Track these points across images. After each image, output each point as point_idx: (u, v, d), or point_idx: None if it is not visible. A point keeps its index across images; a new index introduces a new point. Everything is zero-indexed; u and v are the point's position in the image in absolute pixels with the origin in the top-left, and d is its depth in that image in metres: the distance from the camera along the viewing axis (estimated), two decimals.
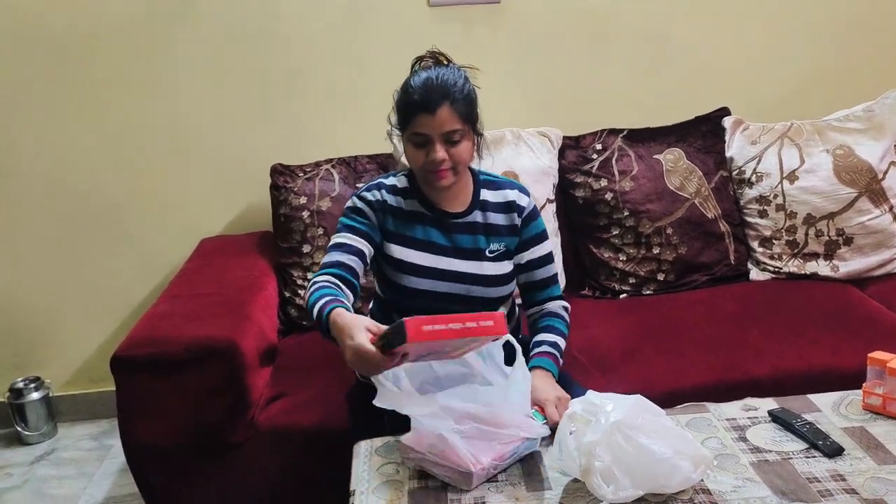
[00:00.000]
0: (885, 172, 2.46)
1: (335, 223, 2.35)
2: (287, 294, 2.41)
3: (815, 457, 1.50)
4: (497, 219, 1.79)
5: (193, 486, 1.96)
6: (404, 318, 1.33)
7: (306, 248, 2.41)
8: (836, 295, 2.36)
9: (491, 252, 1.77)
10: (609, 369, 2.06)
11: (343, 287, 1.65)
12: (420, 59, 1.77)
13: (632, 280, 2.48)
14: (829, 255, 2.47)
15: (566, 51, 2.77)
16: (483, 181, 1.82)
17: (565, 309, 1.86)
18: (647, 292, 2.48)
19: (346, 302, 1.58)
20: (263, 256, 2.51)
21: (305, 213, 2.42)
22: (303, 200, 2.44)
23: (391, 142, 2.45)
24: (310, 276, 2.38)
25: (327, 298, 1.56)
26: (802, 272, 2.48)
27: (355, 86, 2.73)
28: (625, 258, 2.48)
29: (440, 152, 1.65)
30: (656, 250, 2.47)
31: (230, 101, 2.72)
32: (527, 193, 1.84)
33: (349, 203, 1.79)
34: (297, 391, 2.02)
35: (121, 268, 2.83)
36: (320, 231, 2.41)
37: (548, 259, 1.84)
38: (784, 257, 2.49)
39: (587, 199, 2.50)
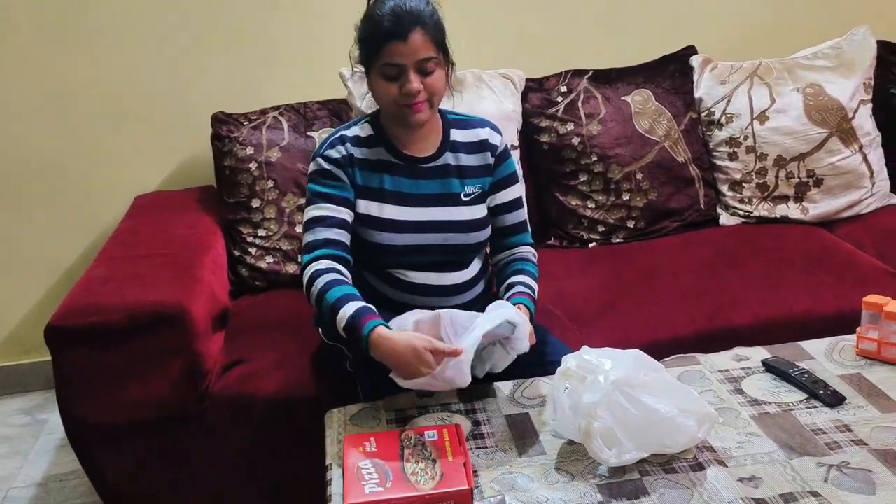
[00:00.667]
0: (856, 111, 2.40)
1: (286, 175, 2.24)
2: (237, 253, 2.23)
3: (816, 407, 1.43)
4: (469, 160, 1.69)
5: (146, 465, 1.81)
6: None
7: (255, 203, 2.23)
8: (808, 238, 2.30)
9: (466, 196, 1.67)
10: (586, 322, 1.96)
11: (344, 271, 1.57)
12: None
13: (601, 228, 2.38)
14: (799, 197, 2.41)
15: None
16: (452, 120, 1.71)
17: (534, 255, 1.77)
18: (617, 240, 2.38)
19: (370, 305, 1.51)
20: (207, 213, 2.31)
21: (253, 165, 2.23)
22: (249, 151, 2.25)
23: (345, 85, 2.28)
24: (260, 232, 2.22)
25: (351, 304, 1.48)
26: (773, 216, 2.41)
27: (299, 28, 2.52)
28: (593, 205, 2.38)
29: (415, 82, 1.54)
30: (626, 196, 2.37)
31: (164, 47, 2.48)
32: (499, 132, 1.75)
33: (314, 166, 1.65)
34: (255, 357, 1.87)
35: (49, 229, 2.60)
36: (270, 184, 2.23)
37: (519, 203, 1.76)
38: (754, 201, 2.42)
39: (553, 145, 2.38)
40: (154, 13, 2.45)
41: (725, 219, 2.44)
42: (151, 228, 2.20)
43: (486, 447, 1.37)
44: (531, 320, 1.57)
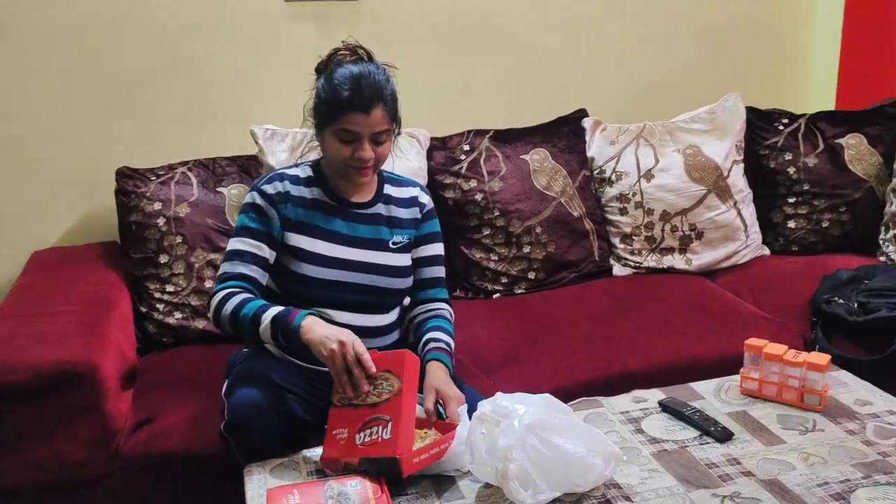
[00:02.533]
0: (730, 170, 2.63)
1: (195, 230, 2.25)
2: (143, 309, 2.20)
3: (708, 443, 1.56)
4: (400, 212, 1.82)
5: None
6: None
7: (163, 259, 2.21)
8: (692, 287, 2.49)
9: (395, 244, 1.78)
10: (494, 370, 2.04)
11: (256, 295, 1.66)
12: (337, 50, 1.73)
13: (503, 279, 2.49)
14: (683, 249, 2.60)
15: (426, 52, 2.74)
16: (386, 177, 1.85)
17: (451, 314, 1.86)
18: (519, 291, 2.50)
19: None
20: (110, 268, 2.28)
21: (161, 221, 2.23)
22: (157, 206, 2.24)
23: (256, 143, 2.32)
24: (168, 287, 2.20)
25: (272, 308, 1.59)
26: (660, 266, 2.60)
27: (209, 84, 2.55)
28: (496, 258, 2.49)
29: (368, 151, 1.66)
30: (526, 249, 2.49)
31: (67, 102, 2.45)
32: (427, 193, 1.90)
33: (247, 198, 1.74)
34: (164, 414, 1.84)
35: None
36: (178, 239, 2.22)
37: (438, 260, 1.88)
38: (643, 252, 2.60)
39: (457, 200, 2.49)
40: (54, 65, 2.42)
41: (618, 269, 2.61)
42: (52, 285, 2.14)
43: (407, 494, 1.42)
44: (450, 373, 1.66)
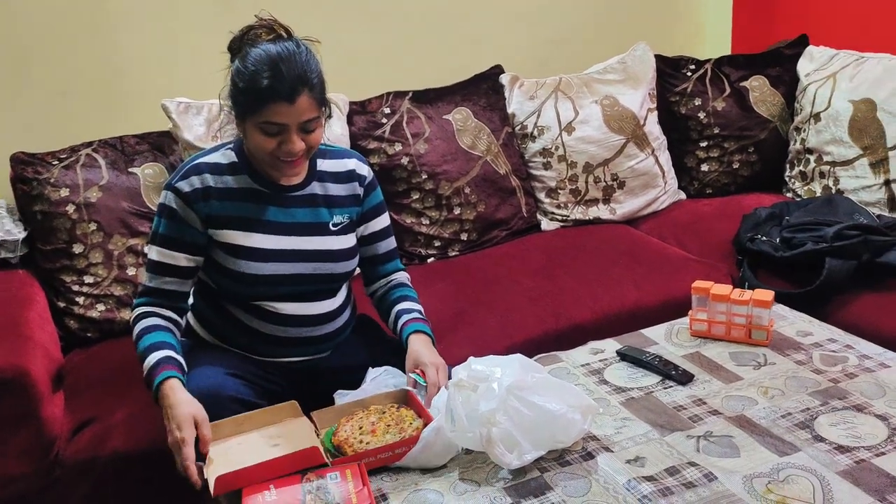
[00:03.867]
0: (645, 118, 2.68)
1: (110, 216, 2.11)
2: (61, 304, 2.04)
3: (671, 386, 1.59)
4: (337, 189, 1.67)
5: None
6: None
7: (77, 248, 2.05)
8: (620, 235, 2.54)
9: (335, 225, 1.65)
10: (442, 335, 2.00)
11: (166, 315, 1.56)
12: (251, 27, 1.53)
13: (437, 243, 2.46)
14: (606, 199, 2.65)
15: (336, 13, 2.64)
16: (320, 149, 1.67)
17: (409, 279, 1.82)
18: (454, 253, 2.48)
19: (175, 355, 1.51)
20: (16, 264, 2.09)
21: (70, 208, 2.06)
22: (64, 193, 2.07)
23: (170, 118, 2.17)
24: (87, 279, 2.05)
25: (154, 354, 1.48)
26: (586, 217, 2.63)
27: (106, 58, 2.36)
28: (428, 222, 2.45)
29: (297, 143, 1.50)
30: (457, 211, 2.47)
31: None
32: (365, 162, 1.75)
33: (161, 196, 1.57)
34: (104, 414, 1.73)
35: None
36: (93, 226, 2.07)
37: (389, 231, 1.78)
38: (569, 205, 2.62)
39: (383, 166, 2.42)
40: None
41: (546, 224, 2.62)
42: None
43: (389, 468, 1.38)
44: (432, 339, 1.65)
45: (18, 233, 2.05)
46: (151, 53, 2.40)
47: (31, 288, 2.00)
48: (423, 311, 1.73)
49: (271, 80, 1.45)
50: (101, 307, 2.05)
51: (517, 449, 1.33)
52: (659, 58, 2.80)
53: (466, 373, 1.41)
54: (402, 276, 1.80)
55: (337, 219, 1.66)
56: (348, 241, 1.68)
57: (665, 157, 2.74)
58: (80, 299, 2.04)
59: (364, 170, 1.73)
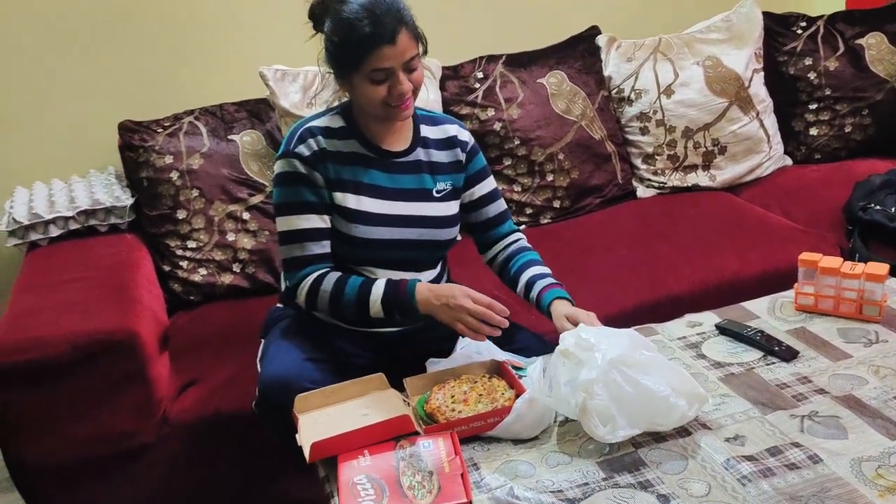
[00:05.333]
0: (751, 80, 2.55)
1: (211, 182, 2.15)
2: (166, 268, 2.12)
3: (774, 363, 1.53)
4: (440, 156, 1.68)
5: (103, 502, 1.70)
6: None
7: (181, 214, 2.13)
8: (720, 203, 2.44)
9: (438, 192, 1.66)
10: None
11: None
12: None
13: (529, 210, 2.43)
14: (706, 165, 2.55)
15: None
16: (421, 116, 1.69)
17: (526, 239, 1.80)
18: (546, 221, 2.44)
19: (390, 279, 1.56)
20: (124, 229, 2.19)
21: (174, 175, 2.13)
22: (168, 160, 2.14)
23: (267, 85, 2.21)
24: (189, 244, 2.12)
25: (375, 287, 1.54)
26: (684, 184, 2.54)
27: (206, 25, 2.41)
28: (520, 189, 2.42)
29: (405, 83, 1.51)
30: (550, 177, 2.43)
31: (51, 57, 2.31)
32: (465, 128, 1.74)
33: (283, 166, 1.56)
34: (207, 375, 1.80)
35: None
36: (195, 193, 2.13)
37: (496, 194, 1.77)
38: (667, 172, 2.54)
39: (475, 132, 2.39)
40: (39, 20, 2.27)
41: (642, 191, 2.55)
42: (67, 251, 2.06)
43: (481, 438, 1.38)
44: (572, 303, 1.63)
45: (127, 199, 2.14)
46: (249, 20, 2.43)
47: (139, 252, 2.09)
48: (550, 272, 1.71)
49: (371, 26, 1.46)
50: (203, 271, 2.13)
51: (611, 423, 1.31)
52: (766, 15, 2.66)
53: (574, 340, 1.39)
54: (521, 239, 1.77)
55: (440, 185, 1.66)
56: (451, 207, 1.68)
57: (770, 121, 2.61)
58: (184, 263, 2.12)
59: (465, 136, 1.73)
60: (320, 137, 1.57)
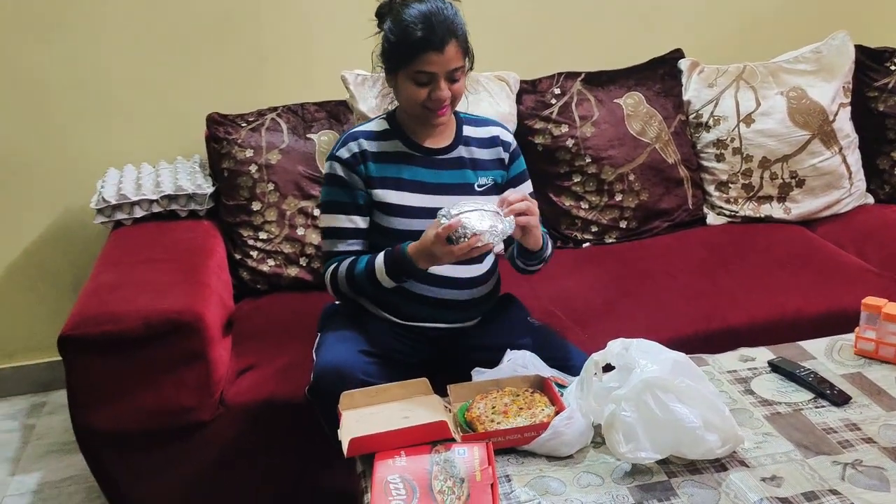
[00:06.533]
0: (836, 114, 2.49)
1: (286, 177, 2.24)
2: (237, 256, 2.22)
3: (824, 406, 1.50)
4: (482, 154, 1.77)
5: (158, 473, 1.80)
6: None
7: (256, 206, 2.22)
8: (792, 237, 2.39)
9: (480, 186, 1.74)
10: (587, 323, 2.01)
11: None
12: None
13: (594, 228, 2.43)
14: (782, 197, 2.50)
15: None
16: (464, 118, 1.80)
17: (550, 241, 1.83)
18: (610, 241, 2.44)
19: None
20: (203, 216, 2.30)
21: (253, 168, 2.23)
22: (249, 153, 2.24)
23: (347, 88, 2.28)
24: (261, 235, 2.22)
25: (378, 259, 1.63)
26: (757, 215, 2.50)
27: (291, 30, 2.51)
28: (587, 206, 2.43)
29: (445, 90, 1.62)
30: (618, 197, 2.42)
31: (149, 47, 2.45)
32: (509, 131, 1.84)
33: (327, 168, 1.73)
34: (265, 362, 1.87)
35: (31, 231, 2.55)
36: (270, 186, 2.22)
37: (532, 198, 1.77)
38: (740, 201, 2.50)
39: (547, 146, 2.42)
40: (139, 12, 2.41)
41: (712, 218, 2.52)
42: (149, 232, 2.18)
43: (515, 451, 1.41)
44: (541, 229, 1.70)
45: (207, 188, 2.25)
46: (338, 24, 2.51)
47: (214, 239, 2.19)
48: (548, 239, 1.77)
49: (424, 31, 1.58)
50: (271, 262, 2.21)
51: (635, 443, 1.32)
52: (859, 48, 2.59)
53: (618, 350, 1.41)
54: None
55: (482, 180, 1.74)
56: (493, 201, 1.70)
57: (854, 157, 2.54)
58: (254, 253, 2.21)
59: (508, 136, 1.82)
60: (363, 140, 1.70)
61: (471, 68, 1.71)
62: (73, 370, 1.70)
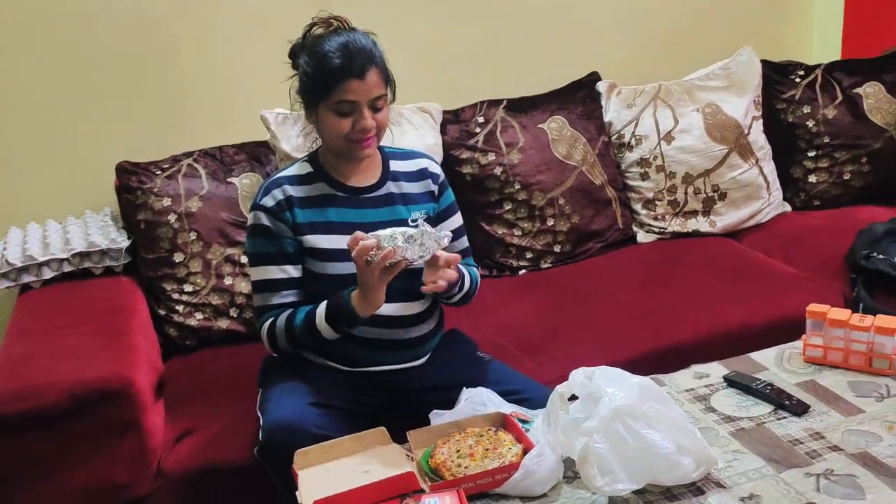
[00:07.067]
0: (750, 127, 2.57)
1: (209, 225, 2.13)
2: (162, 312, 2.09)
3: (785, 417, 1.50)
4: (412, 187, 1.73)
5: None
6: None
7: (178, 257, 2.09)
8: (721, 249, 2.43)
9: (413, 221, 1.66)
10: (537, 351, 1.97)
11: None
12: (311, 26, 1.65)
13: (529, 255, 2.41)
14: (706, 211, 2.54)
15: (428, 22, 2.61)
16: (390, 153, 1.76)
17: (478, 275, 1.81)
18: (546, 265, 2.42)
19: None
20: (119, 272, 2.15)
21: (172, 217, 2.10)
22: (166, 202, 2.11)
23: (268, 129, 2.20)
24: (186, 287, 2.09)
25: (318, 310, 1.57)
26: (685, 230, 2.53)
27: (205, 69, 2.41)
28: (520, 233, 2.41)
29: (369, 119, 1.58)
30: (550, 222, 2.41)
31: (48, 96, 2.29)
32: (436, 162, 1.80)
33: (251, 218, 1.66)
34: (204, 424, 1.75)
35: None
36: (193, 236, 2.10)
37: (462, 230, 1.81)
38: (667, 217, 2.53)
39: (475, 176, 2.39)
40: (36, 54, 2.26)
41: (642, 236, 2.54)
42: (60, 295, 2.02)
43: (487, 495, 1.35)
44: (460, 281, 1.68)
45: (123, 241, 2.11)
46: (253, 64, 2.42)
47: (135, 295, 2.05)
48: (472, 277, 1.75)
49: (342, 59, 1.55)
50: (199, 315, 2.09)
51: (611, 475, 1.28)
52: (765, 63, 2.68)
53: (581, 380, 1.36)
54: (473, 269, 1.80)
55: (415, 214, 1.69)
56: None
57: (770, 168, 2.61)
58: (180, 307, 2.08)
59: (436, 168, 1.78)
60: (286, 186, 1.64)
61: (393, 99, 1.67)
62: None
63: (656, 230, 2.54)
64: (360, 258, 1.46)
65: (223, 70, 2.42)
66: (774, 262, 2.34)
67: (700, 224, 2.54)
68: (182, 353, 2.08)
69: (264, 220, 1.62)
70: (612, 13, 2.82)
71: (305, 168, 1.68)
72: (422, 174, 1.75)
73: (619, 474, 1.28)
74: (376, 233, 1.49)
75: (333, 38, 1.58)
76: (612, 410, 1.29)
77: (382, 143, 1.71)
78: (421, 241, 1.50)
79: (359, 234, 1.48)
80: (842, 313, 1.65)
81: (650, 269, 2.32)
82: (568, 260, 2.44)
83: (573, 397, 1.41)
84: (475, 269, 1.81)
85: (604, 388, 1.34)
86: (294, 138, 2.17)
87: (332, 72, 1.54)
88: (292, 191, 1.64)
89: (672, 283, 2.21)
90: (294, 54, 1.65)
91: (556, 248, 2.43)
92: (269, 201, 1.62)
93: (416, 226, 1.52)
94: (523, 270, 2.41)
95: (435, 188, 1.76)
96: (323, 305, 1.57)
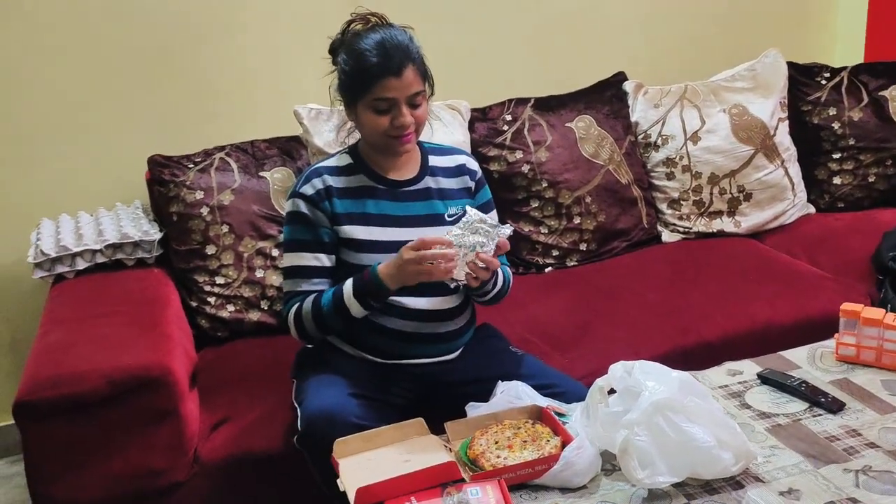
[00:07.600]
0: (776, 129, 2.57)
1: (241, 218, 2.15)
2: (194, 303, 2.10)
3: (821, 414, 1.51)
4: (449, 183, 1.74)
5: None
6: None
7: (210, 250, 2.11)
8: (746, 250, 2.44)
9: (450, 216, 1.70)
10: (566, 347, 1.98)
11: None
12: (350, 23, 1.66)
13: (555, 252, 2.42)
14: (731, 211, 2.55)
15: (458, 19, 2.63)
16: (429, 148, 1.77)
17: (510, 272, 1.82)
18: (572, 263, 2.43)
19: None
20: (152, 264, 2.16)
21: (205, 210, 2.12)
22: (199, 195, 2.13)
23: (301, 123, 2.21)
24: (218, 280, 2.10)
25: (345, 287, 1.57)
26: (709, 230, 2.54)
27: (235, 65, 2.42)
28: (546, 231, 2.42)
29: (407, 116, 1.59)
30: (577, 220, 2.42)
31: (81, 89, 2.31)
32: (474, 159, 1.82)
33: (289, 206, 1.66)
34: (239, 413, 1.77)
35: None
36: (225, 229, 2.12)
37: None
38: (692, 217, 2.54)
39: (503, 173, 2.40)
40: (66, 48, 2.27)
41: (667, 236, 2.55)
42: (93, 285, 2.03)
43: (527, 486, 1.36)
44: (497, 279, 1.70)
45: (155, 233, 2.12)
46: (283, 58, 2.44)
47: (167, 287, 2.06)
48: (506, 274, 1.76)
49: (379, 57, 1.56)
50: (231, 307, 2.10)
51: (651, 468, 1.29)
52: (791, 65, 2.68)
53: (621, 373, 1.38)
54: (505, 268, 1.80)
55: (451, 209, 1.70)
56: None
57: (795, 169, 2.62)
58: (212, 299, 2.10)
59: (473, 165, 1.80)
60: (326, 176, 1.65)
61: (432, 94, 1.68)
62: (30, 438, 1.55)
63: (681, 230, 2.55)
64: (421, 252, 1.49)
65: (251, 64, 2.43)
66: (799, 263, 2.35)
67: (725, 224, 2.55)
68: (214, 344, 2.09)
69: (303, 207, 1.63)
70: (638, 14, 2.83)
71: (345, 160, 1.70)
72: (459, 170, 1.76)
73: (660, 467, 1.29)
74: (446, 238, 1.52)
75: (370, 35, 1.59)
76: (652, 404, 1.31)
77: (421, 138, 1.72)
78: (483, 230, 1.53)
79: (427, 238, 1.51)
80: (876, 312, 1.66)
81: (676, 267, 2.32)
82: (593, 258, 2.45)
83: (611, 391, 1.43)
84: (508, 268, 1.82)
85: (644, 382, 1.35)
86: (327, 133, 2.18)
87: (369, 70, 1.56)
88: (332, 181, 1.65)
89: (698, 282, 2.22)
90: (333, 51, 1.67)
91: (582, 247, 2.44)
92: (308, 189, 1.64)
93: (473, 218, 1.54)
94: (549, 268, 2.42)
95: (472, 184, 1.77)
96: (350, 282, 1.58)
